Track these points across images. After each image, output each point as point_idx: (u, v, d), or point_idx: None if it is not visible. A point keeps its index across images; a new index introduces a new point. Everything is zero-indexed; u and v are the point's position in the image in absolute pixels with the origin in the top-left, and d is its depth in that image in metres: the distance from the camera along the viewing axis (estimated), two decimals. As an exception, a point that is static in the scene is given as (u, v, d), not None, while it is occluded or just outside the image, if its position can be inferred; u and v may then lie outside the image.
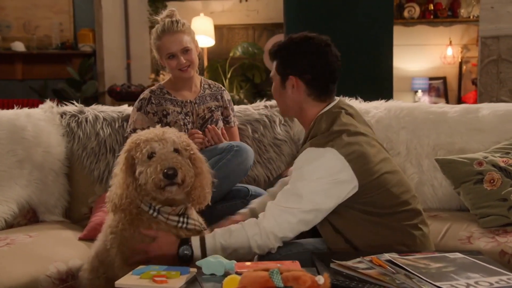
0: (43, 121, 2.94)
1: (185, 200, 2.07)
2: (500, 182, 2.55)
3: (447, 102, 7.29)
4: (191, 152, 2.07)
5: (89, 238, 2.52)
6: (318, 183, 2.00)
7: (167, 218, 2.04)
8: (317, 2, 4.71)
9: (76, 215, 2.92)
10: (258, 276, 1.47)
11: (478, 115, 2.97)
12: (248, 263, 1.83)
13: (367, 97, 3.25)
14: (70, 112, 3.05)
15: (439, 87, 7.55)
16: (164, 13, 2.86)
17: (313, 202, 2.00)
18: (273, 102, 3.20)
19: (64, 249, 2.42)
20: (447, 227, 2.54)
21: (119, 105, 3.26)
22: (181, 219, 2.06)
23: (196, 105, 2.86)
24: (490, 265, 1.77)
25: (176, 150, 2.00)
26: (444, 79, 7.54)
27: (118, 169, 2.04)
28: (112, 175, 2.09)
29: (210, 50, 6.93)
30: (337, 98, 2.23)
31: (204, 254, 1.97)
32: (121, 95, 6.70)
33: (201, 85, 2.94)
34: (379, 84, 4.67)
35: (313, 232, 2.15)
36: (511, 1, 4.64)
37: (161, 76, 6.54)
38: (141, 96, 2.85)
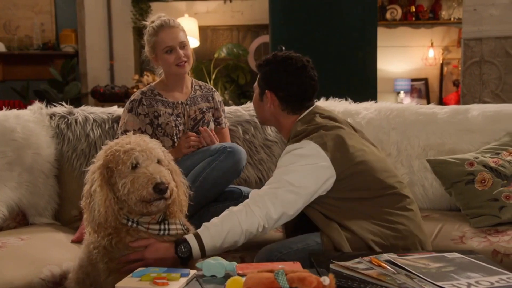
0: (32, 123, 2.89)
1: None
2: (491, 182, 2.58)
3: (429, 103, 7.36)
4: (169, 163, 2.02)
5: (82, 241, 2.46)
6: (296, 167, 2.13)
7: (148, 228, 1.97)
8: (302, 3, 4.73)
9: (66, 218, 2.89)
10: (263, 278, 1.47)
11: (467, 116, 3.01)
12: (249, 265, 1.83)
13: (352, 99, 3.28)
14: (59, 113, 3.02)
15: (420, 88, 7.63)
16: (155, 15, 2.86)
17: (290, 183, 2.10)
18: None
19: (57, 251, 2.39)
20: (440, 227, 2.57)
21: (103, 106, 3.22)
22: (162, 226, 1.99)
23: (187, 106, 2.85)
24: (487, 264, 1.79)
25: (158, 161, 1.95)
26: (425, 80, 7.62)
27: (96, 186, 1.90)
28: (84, 194, 1.96)
29: (194, 51, 6.86)
30: (314, 104, 2.37)
31: (202, 247, 1.97)
32: (104, 96, 6.66)
33: (192, 86, 2.93)
34: (364, 85, 4.70)
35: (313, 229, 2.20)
36: (493, 3, 4.71)
37: (145, 77, 6.50)
38: (132, 97, 2.82)
